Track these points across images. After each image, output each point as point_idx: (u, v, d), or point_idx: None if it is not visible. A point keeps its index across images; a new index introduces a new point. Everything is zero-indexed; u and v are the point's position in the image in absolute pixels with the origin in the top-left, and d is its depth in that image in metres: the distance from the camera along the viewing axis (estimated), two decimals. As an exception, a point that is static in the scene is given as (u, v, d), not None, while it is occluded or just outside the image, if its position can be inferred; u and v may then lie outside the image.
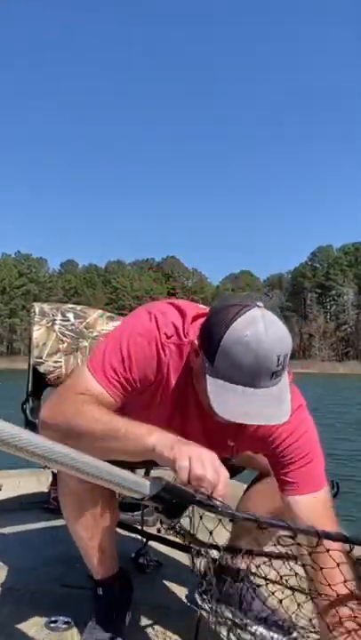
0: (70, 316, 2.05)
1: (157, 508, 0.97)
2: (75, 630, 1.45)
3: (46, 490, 2.54)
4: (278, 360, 1.03)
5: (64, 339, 1.99)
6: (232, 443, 1.28)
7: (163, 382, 1.20)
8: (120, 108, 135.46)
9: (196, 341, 1.12)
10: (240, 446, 1.30)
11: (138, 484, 0.91)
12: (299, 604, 1.19)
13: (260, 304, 1.06)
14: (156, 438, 1.03)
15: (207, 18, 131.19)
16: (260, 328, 1.02)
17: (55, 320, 2.01)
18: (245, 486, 1.65)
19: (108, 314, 2.14)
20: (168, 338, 1.18)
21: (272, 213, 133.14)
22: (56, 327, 2.00)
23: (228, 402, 1.04)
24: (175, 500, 0.92)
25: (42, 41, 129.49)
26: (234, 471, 1.63)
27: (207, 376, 1.06)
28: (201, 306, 1.38)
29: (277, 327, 1.04)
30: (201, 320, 1.17)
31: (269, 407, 1.04)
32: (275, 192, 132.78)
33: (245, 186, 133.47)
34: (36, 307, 2.02)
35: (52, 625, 1.46)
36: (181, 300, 1.36)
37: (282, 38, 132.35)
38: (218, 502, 0.94)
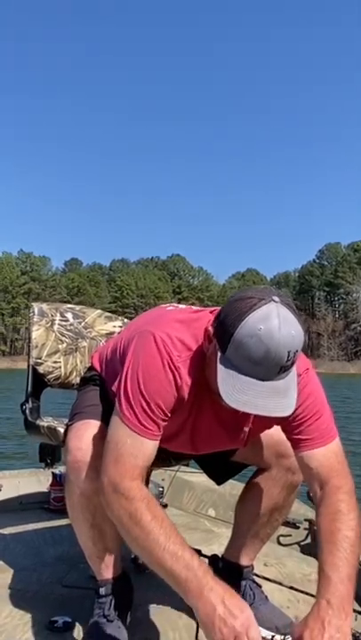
0: (69, 315, 2.05)
1: None
2: (75, 631, 1.44)
3: (46, 490, 2.54)
4: (289, 355, 1.07)
5: (63, 339, 1.99)
6: (247, 428, 1.33)
7: (182, 395, 1.23)
8: (123, 106, 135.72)
9: (210, 328, 1.16)
10: (255, 428, 1.35)
11: None
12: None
13: (277, 299, 1.09)
14: (203, 605, 1.05)
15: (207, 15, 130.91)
16: (275, 323, 1.05)
17: (54, 320, 2.01)
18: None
19: (107, 313, 2.15)
20: (179, 357, 1.21)
21: (279, 211, 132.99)
22: (55, 327, 2.00)
23: (236, 391, 1.08)
24: None
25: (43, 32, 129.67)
26: (236, 470, 1.63)
27: (218, 364, 1.10)
28: (193, 307, 1.41)
29: (291, 324, 1.07)
30: (203, 321, 1.24)
31: (274, 400, 1.08)
32: (281, 189, 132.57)
33: (251, 184, 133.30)
34: (35, 307, 2.02)
35: (53, 625, 1.45)
36: (174, 308, 1.40)
37: (284, 29, 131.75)
38: None
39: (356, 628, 1.44)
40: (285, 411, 1.10)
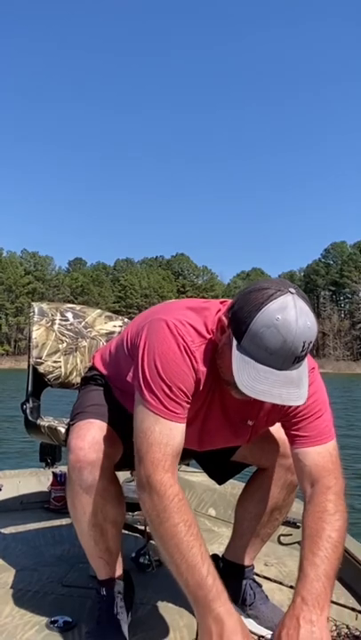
0: (69, 315, 2.05)
1: None
2: (76, 630, 1.44)
3: (47, 490, 2.55)
4: (304, 346, 1.08)
5: (63, 338, 1.99)
6: (251, 422, 1.34)
7: (199, 381, 1.23)
8: (128, 105, 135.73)
9: (223, 318, 1.16)
10: (259, 423, 1.36)
11: None
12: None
13: (293, 290, 1.10)
14: (203, 630, 1.07)
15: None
16: (292, 314, 1.06)
17: (54, 320, 2.01)
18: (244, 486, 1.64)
19: (107, 313, 2.15)
20: (193, 342, 1.21)
21: (284, 210, 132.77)
22: (55, 327, 2.00)
23: (252, 379, 1.08)
24: None
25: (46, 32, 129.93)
26: (236, 469, 1.63)
27: (234, 350, 1.10)
28: (201, 300, 1.40)
29: (307, 315, 1.09)
30: (212, 310, 1.25)
31: (289, 389, 1.09)
32: (286, 189, 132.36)
33: (256, 183, 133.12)
34: (35, 307, 2.02)
35: (53, 625, 1.45)
36: (186, 300, 1.39)
37: (283, 25, 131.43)
38: None
39: (357, 627, 1.43)
40: (299, 400, 1.10)
